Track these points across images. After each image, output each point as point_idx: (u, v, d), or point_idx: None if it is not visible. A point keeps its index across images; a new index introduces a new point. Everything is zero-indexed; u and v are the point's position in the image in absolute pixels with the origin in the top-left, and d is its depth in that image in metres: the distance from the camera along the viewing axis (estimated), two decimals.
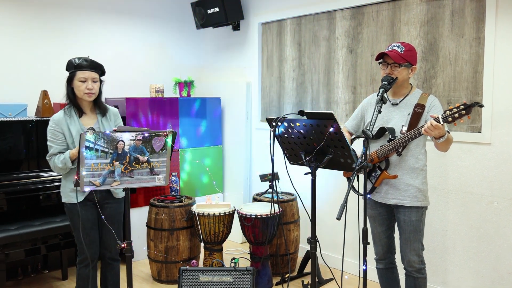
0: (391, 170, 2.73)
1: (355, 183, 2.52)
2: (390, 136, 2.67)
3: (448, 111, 2.41)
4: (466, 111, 2.36)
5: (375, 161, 2.76)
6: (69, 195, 2.87)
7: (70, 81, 2.87)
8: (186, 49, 5.39)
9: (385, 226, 2.88)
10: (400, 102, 2.75)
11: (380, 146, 2.73)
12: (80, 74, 2.83)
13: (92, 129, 2.77)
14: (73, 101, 2.89)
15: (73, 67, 2.85)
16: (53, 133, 2.84)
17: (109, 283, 3.10)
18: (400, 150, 2.68)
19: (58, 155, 2.81)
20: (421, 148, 2.71)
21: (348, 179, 2.97)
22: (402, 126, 2.68)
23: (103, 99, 3.02)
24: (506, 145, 3.13)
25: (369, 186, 2.84)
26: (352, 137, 2.99)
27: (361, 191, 2.76)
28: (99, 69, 2.92)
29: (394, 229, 2.91)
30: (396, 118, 2.73)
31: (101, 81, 2.94)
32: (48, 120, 2.75)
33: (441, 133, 2.45)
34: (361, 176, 2.64)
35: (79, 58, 2.87)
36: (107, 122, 2.98)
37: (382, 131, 2.73)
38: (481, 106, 2.40)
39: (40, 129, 3.90)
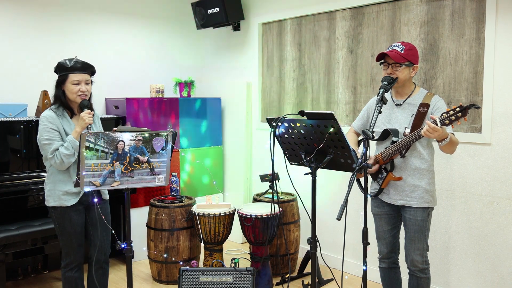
0: (396, 172, 2.73)
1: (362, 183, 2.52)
2: (393, 138, 2.67)
3: (445, 114, 2.41)
4: (462, 113, 2.37)
5: (381, 163, 2.76)
6: (61, 198, 2.78)
7: (61, 83, 2.80)
8: (187, 49, 5.39)
9: (390, 225, 2.87)
10: (403, 102, 2.75)
11: (385, 148, 2.73)
12: (73, 77, 2.76)
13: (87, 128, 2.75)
14: (64, 103, 2.83)
15: (65, 69, 2.77)
16: (49, 131, 2.74)
17: (101, 286, 3.03)
18: (403, 152, 2.67)
19: (61, 146, 2.71)
20: (426, 149, 2.69)
21: (358, 180, 2.98)
22: (405, 128, 2.67)
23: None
24: (506, 146, 3.12)
25: (376, 187, 2.84)
26: (360, 137, 2.99)
27: (368, 190, 2.76)
28: (90, 70, 2.86)
29: (399, 229, 2.91)
30: (400, 119, 2.73)
31: (91, 82, 2.88)
32: None
33: (441, 135, 2.45)
34: (369, 177, 2.64)
35: (70, 60, 2.80)
36: (94, 124, 2.93)
37: (387, 133, 2.73)
38: (477, 107, 2.40)
39: None
